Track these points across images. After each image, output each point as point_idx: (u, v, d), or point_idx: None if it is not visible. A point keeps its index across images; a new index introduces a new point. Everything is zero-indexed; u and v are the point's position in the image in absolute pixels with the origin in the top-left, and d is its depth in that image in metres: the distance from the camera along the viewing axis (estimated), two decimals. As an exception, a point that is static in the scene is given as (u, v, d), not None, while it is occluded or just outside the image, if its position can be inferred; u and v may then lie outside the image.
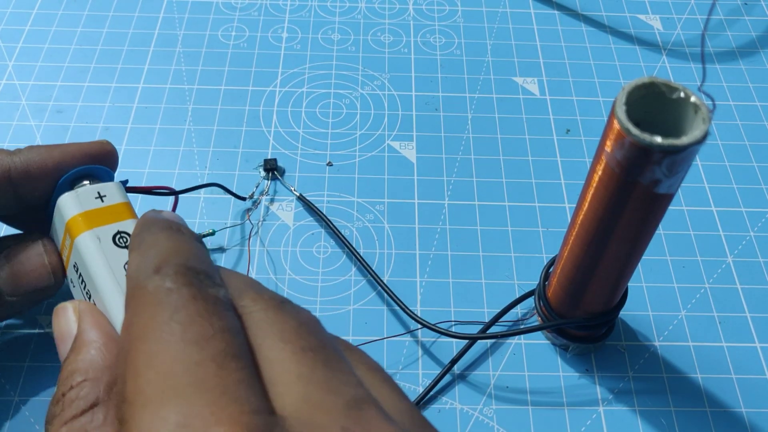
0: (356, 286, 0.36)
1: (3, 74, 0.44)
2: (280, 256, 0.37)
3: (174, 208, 0.34)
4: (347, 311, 0.35)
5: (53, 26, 0.47)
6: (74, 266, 0.28)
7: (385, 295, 0.35)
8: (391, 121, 0.43)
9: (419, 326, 0.33)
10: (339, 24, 0.48)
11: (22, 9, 0.48)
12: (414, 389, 0.33)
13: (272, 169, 0.39)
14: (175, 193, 0.34)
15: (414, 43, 0.47)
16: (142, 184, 0.39)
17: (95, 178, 0.30)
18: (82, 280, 0.28)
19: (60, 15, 0.47)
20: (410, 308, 0.34)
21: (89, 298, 0.27)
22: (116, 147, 0.40)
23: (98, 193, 0.29)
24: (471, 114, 0.43)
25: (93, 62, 0.45)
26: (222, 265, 0.36)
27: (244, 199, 0.38)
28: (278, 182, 0.39)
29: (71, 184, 0.30)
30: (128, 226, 0.28)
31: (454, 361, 0.33)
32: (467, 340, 0.33)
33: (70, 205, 0.28)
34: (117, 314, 0.25)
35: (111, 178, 0.31)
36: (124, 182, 0.31)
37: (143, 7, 0.48)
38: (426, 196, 0.39)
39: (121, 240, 0.28)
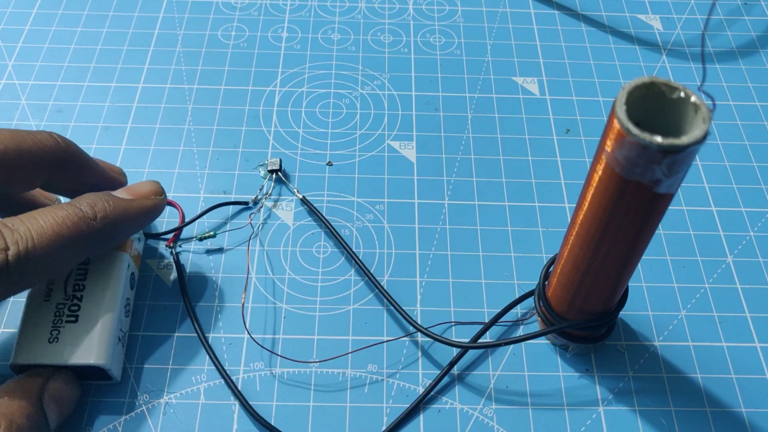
0: (356, 285, 0.36)
1: (3, 74, 0.44)
2: (280, 256, 0.37)
3: (178, 232, 0.37)
4: (347, 311, 0.35)
5: (53, 26, 0.47)
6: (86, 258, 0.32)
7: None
8: (391, 121, 0.43)
9: (415, 330, 0.33)
10: (339, 24, 0.48)
11: (22, 9, 0.48)
12: (414, 389, 0.33)
13: (277, 170, 0.39)
14: (181, 227, 0.37)
15: (414, 43, 0.47)
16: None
17: None
18: (84, 275, 0.31)
19: (60, 15, 0.47)
20: (410, 308, 0.34)
21: (78, 289, 0.31)
22: (116, 147, 0.40)
23: (140, 236, 0.35)
24: (471, 114, 0.43)
25: (93, 62, 0.45)
26: (222, 265, 0.36)
27: (246, 203, 0.38)
28: (281, 184, 0.39)
29: None
30: (137, 272, 0.34)
31: (452, 364, 0.33)
32: (466, 342, 0.33)
33: None
34: (98, 324, 0.30)
35: None
36: None
37: (143, 6, 0.48)
38: (426, 196, 0.39)
39: (131, 280, 0.33)
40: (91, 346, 0.29)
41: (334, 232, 0.37)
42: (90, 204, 0.29)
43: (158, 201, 0.32)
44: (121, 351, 0.32)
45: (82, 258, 0.29)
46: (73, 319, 0.30)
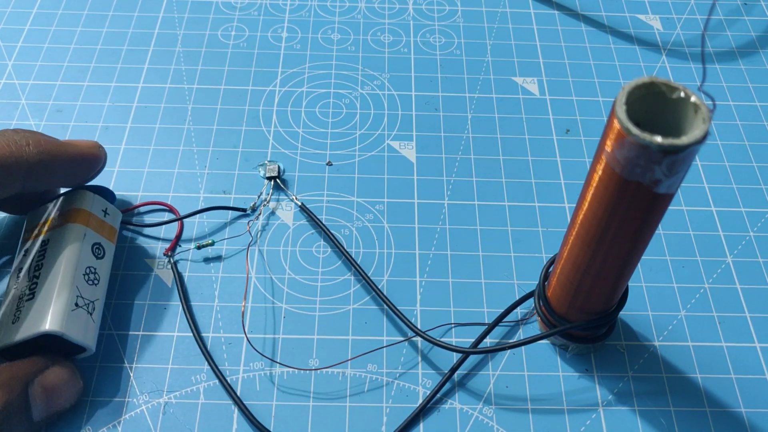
0: (356, 285, 0.36)
1: (3, 73, 0.44)
2: (280, 256, 0.37)
3: (179, 233, 0.37)
4: (347, 311, 0.35)
5: (53, 26, 0.47)
6: (45, 241, 0.32)
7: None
8: (391, 120, 0.43)
9: (414, 334, 0.33)
10: (339, 24, 0.48)
11: (21, 8, 0.47)
12: (414, 389, 0.33)
13: (275, 177, 0.39)
14: (179, 219, 0.37)
15: (414, 43, 0.47)
16: (141, 185, 0.39)
17: (105, 195, 0.35)
18: (43, 255, 0.31)
19: (60, 14, 0.47)
20: (409, 308, 0.34)
21: (37, 269, 0.31)
22: (116, 146, 0.40)
23: (106, 208, 0.35)
24: (471, 114, 0.43)
25: (92, 62, 0.45)
26: (221, 267, 0.36)
27: (245, 210, 0.38)
28: (280, 189, 0.39)
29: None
30: (107, 244, 0.34)
31: (453, 370, 0.33)
32: (467, 342, 0.33)
33: (88, 201, 0.34)
34: (51, 294, 0.30)
35: (113, 200, 0.37)
36: (113, 196, 0.37)
37: (143, 6, 0.48)
38: (426, 196, 0.39)
39: (96, 250, 0.33)
40: (42, 315, 0.29)
41: (335, 241, 0.36)
42: (22, 136, 0.31)
43: (94, 150, 0.34)
44: (86, 319, 0.31)
45: (17, 182, 0.30)
46: (30, 296, 0.30)
